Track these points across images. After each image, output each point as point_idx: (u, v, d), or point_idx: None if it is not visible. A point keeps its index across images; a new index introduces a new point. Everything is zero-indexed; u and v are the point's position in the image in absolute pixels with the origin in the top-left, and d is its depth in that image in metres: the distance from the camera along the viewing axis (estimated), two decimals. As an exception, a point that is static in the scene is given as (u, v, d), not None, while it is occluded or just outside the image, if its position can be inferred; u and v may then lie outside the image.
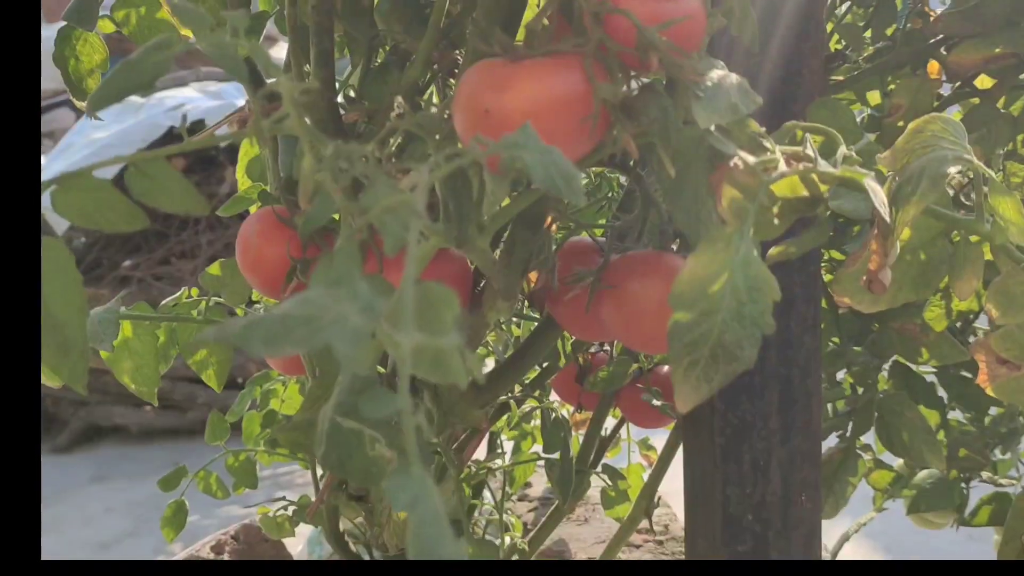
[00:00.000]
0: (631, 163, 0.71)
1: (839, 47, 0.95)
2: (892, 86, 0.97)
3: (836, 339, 1.05)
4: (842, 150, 0.60)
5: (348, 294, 0.37)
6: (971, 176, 0.73)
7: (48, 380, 0.60)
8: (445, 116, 0.59)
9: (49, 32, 0.80)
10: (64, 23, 0.76)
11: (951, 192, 0.90)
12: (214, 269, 0.79)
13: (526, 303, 0.89)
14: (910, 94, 0.93)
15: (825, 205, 0.59)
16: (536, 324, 0.81)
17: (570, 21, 0.58)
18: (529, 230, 0.67)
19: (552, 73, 0.53)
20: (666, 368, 1.04)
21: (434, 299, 0.40)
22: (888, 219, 0.54)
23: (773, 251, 0.61)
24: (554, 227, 0.76)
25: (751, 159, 0.55)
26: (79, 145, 3.95)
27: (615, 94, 0.53)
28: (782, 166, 0.55)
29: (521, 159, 0.42)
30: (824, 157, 0.59)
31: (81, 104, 0.78)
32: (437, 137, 0.59)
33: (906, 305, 0.94)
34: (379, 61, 0.77)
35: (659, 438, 1.20)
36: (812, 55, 0.83)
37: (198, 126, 3.62)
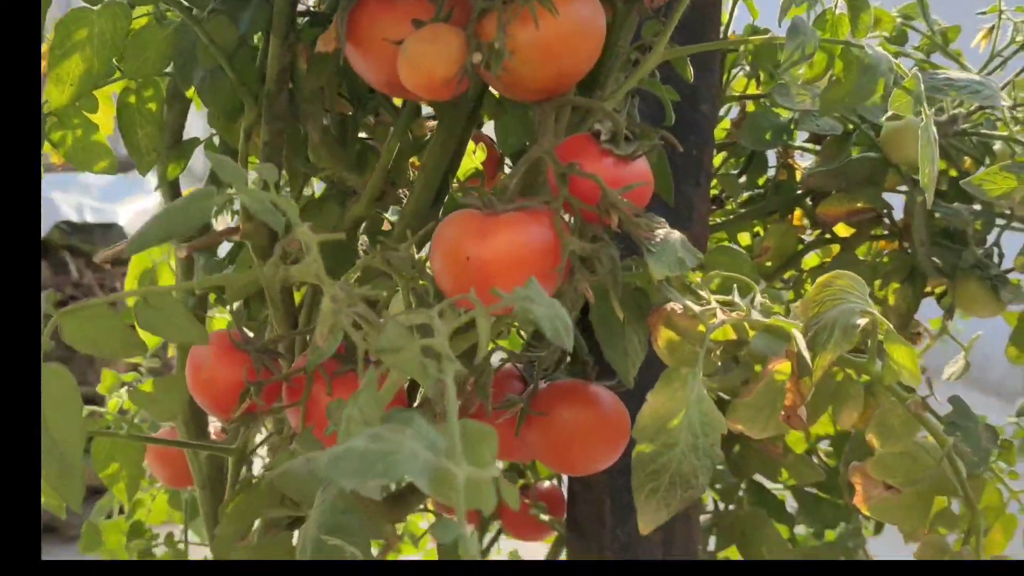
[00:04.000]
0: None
1: (716, 192, 1.04)
2: (759, 230, 1.07)
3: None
4: (759, 298, 0.68)
5: (415, 432, 0.41)
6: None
7: (48, 499, 0.62)
8: (415, 256, 0.65)
9: None
10: None
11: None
12: (145, 386, 0.81)
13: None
14: (777, 237, 1.03)
15: (750, 346, 0.67)
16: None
17: (533, 180, 0.64)
18: (466, 358, 0.73)
19: (527, 226, 0.59)
20: (547, 484, 1.10)
21: (474, 435, 0.45)
22: (809, 363, 0.62)
23: (701, 388, 0.68)
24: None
25: (695, 307, 0.62)
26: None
27: (581, 248, 0.60)
28: (720, 315, 0.62)
29: (532, 312, 0.48)
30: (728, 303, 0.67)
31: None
32: (405, 276, 0.64)
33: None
34: (319, 194, 0.82)
35: (529, 552, 1.25)
36: (701, 202, 0.92)
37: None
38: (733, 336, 0.66)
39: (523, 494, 1.08)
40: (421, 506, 1.01)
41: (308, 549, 0.58)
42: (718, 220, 1.04)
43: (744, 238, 1.10)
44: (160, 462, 0.95)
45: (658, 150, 0.78)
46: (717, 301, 0.64)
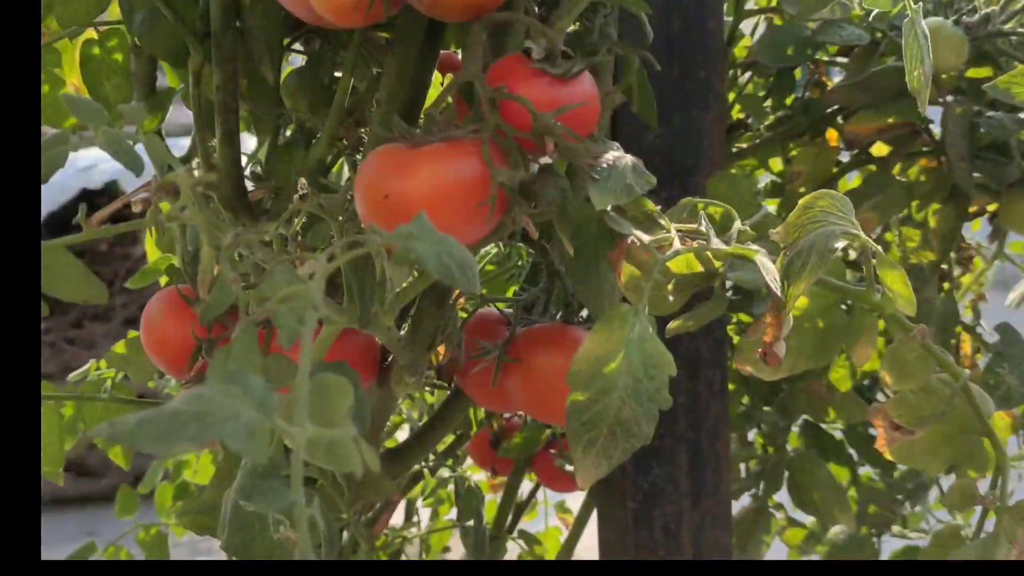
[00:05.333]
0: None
1: (741, 116, 0.97)
2: (793, 153, 1.00)
3: (746, 399, 1.07)
4: (737, 225, 0.62)
5: (242, 389, 0.37)
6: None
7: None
8: (348, 198, 0.60)
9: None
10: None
11: (852, 253, 0.93)
12: (119, 347, 0.79)
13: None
14: (810, 161, 0.96)
15: (722, 279, 0.61)
16: (446, 396, 0.81)
17: (470, 103, 0.59)
18: (435, 306, 0.68)
19: (450, 159, 0.54)
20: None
21: (329, 390, 0.40)
22: (779, 293, 0.56)
23: (672, 325, 0.62)
24: (462, 301, 0.77)
25: (646, 237, 0.56)
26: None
27: (513, 178, 0.54)
28: (676, 244, 0.56)
29: (415, 250, 0.43)
30: (723, 232, 0.61)
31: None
32: (340, 219, 0.60)
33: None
34: (285, 138, 0.78)
35: (576, 500, 1.20)
36: (713, 125, 0.86)
37: (111, 187, 3.57)
38: (699, 268, 0.60)
39: (551, 444, 1.03)
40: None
41: (227, 516, 0.55)
42: (743, 146, 0.97)
43: (776, 163, 1.02)
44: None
45: (639, 71, 0.71)
46: (680, 230, 0.58)
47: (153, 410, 0.36)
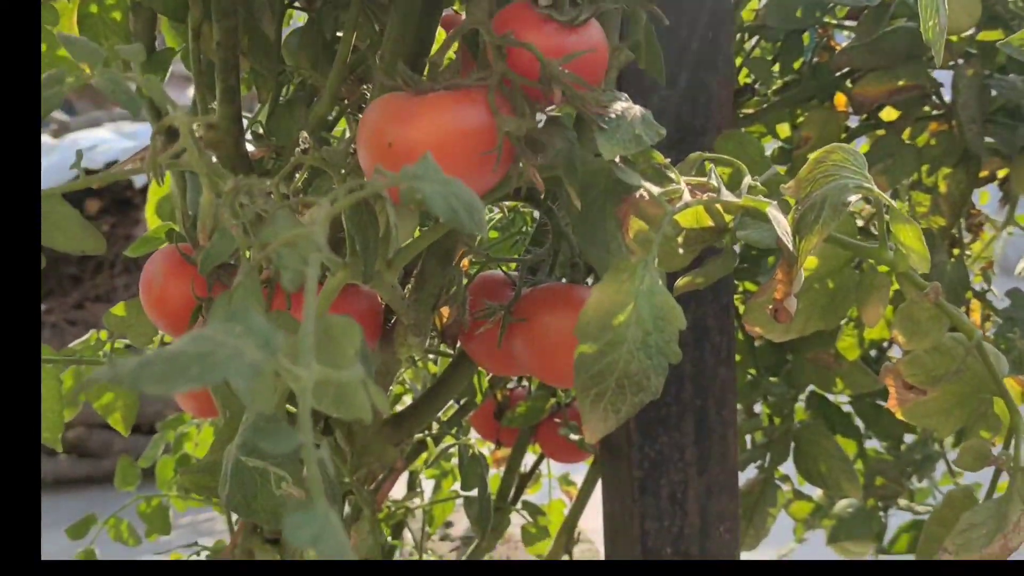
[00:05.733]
0: (541, 197, 0.71)
1: (748, 81, 0.96)
2: (801, 119, 0.99)
3: (753, 370, 1.06)
4: (747, 180, 0.61)
5: (245, 329, 0.36)
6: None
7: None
8: (350, 151, 0.59)
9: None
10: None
11: (860, 221, 0.92)
12: (118, 309, 0.78)
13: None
14: (818, 126, 0.94)
15: (731, 235, 0.60)
16: (451, 360, 0.80)
17: (475, 55, 0.58)
18: (439, 265, 0.67)
19: (454, 106, 0.53)
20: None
21: (336, 333, 0.39)
22: (791, 248, 0.55)
23: (681, 281, 0.61)
24: (466, 262, 0.75)
25: (656, 190, 0.55)
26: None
27: (519, 127, 0.53)
28: (686, 196, 0.55)
29: (421, 190, 0.42)
30: (731, 190, 0.60)
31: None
32: (343, 172, 0.59)
33: (819, 335, 0.95)
34: (287, 97, 0.77)
35: (579, 473, 1.19)
36: (721, 87, 0.84)
37: (112, 167, 3.55)
38: (709, 222, 0.58)
39: (555, 414, 1.02)
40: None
41: (228, 472, 0.53)
42: (750, 111, 0.96)
43: (783, 129, 1.01)
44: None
45: (647, 27, 0.70)
46: (689, 184, 0.57)
47: (155, 352, 0.35)
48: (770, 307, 0.59)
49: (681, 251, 0.58)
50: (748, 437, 1.10)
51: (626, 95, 0.57)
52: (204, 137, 0.72)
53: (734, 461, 0.90)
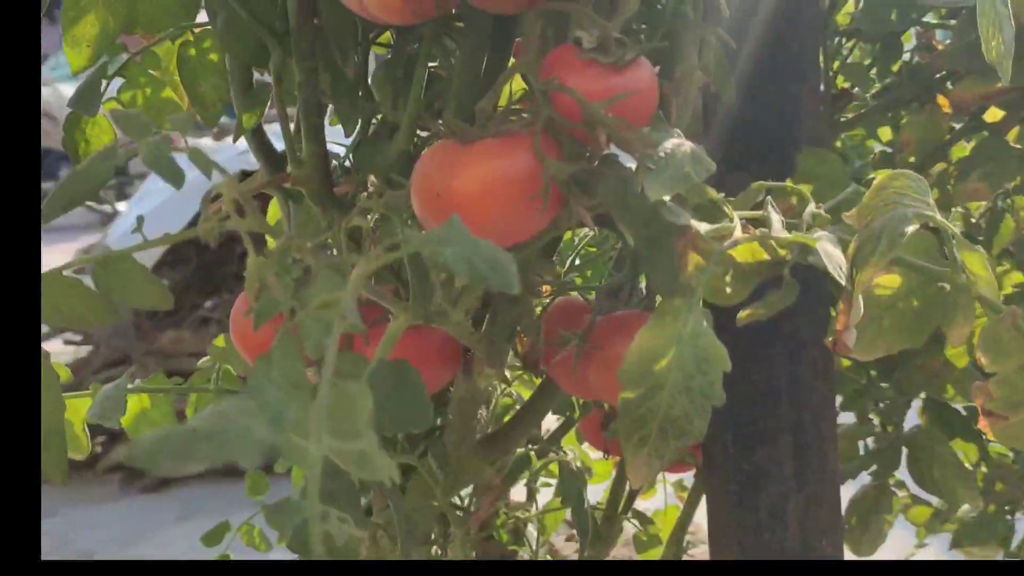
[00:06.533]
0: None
1: (846, 86, 0.94)
2: (904, 121, 0.96)
3: (863, 378, 1.04)
4: (810, 209, 0.60)
5: (257, 405, 0.38)
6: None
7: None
8: (412, 196, 0.60)
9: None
10: (70, 110, 0.79)
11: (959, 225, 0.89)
12: (219, 341, 0.81)
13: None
14: (919, 129, 0.92)
15: (791, 265, 0.59)
16: (541, 381, 0.81)
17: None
18: (508, 299, 0.68)
19: (499, 154, 0.54)
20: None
21: (349, 401, 0.41)
22: (843, 281, 0.54)
23: (742, 315, 0.61)
24: (547, 289, 0.76)
25: (705, 227, 0.55)
26: (154, 192, 4.02)
27: (564, 171, 0.54)
28: (738, 232, 0.55)
29: (442, 255, 0.43)
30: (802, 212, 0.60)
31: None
32: (404, 217, 0.60)
33: (928, 342, 0.93)
34: (374, 129, 0.79)
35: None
36: (810, 98, 0.83)
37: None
38: (765, 256, 0.58)
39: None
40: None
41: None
42: (849, 116, 0.94)
43: (885, 133, 0.99)
44: None
45: (716, 50, 0.70)
46: (743, 218, 0.57)
47: (172, 428, 0.37)
48: (830, 339, 0.58)
49: (735, 285, 0.58)
50: (862, 443, 1.08)
51: (678, 131, 0.57)
52: (292, 175, 0.74)
53: (834, 475, 0.89)
